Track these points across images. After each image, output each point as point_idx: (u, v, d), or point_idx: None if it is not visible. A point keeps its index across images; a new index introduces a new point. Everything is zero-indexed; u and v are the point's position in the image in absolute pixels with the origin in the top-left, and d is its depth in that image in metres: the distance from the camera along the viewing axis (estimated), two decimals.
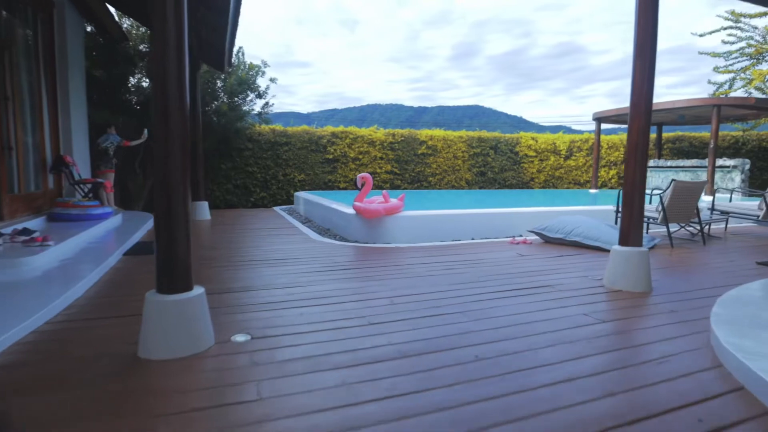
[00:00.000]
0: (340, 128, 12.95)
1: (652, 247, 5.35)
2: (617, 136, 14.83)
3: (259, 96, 10.52)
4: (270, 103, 11.02)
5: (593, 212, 6.92)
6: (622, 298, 3.27)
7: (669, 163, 12.72)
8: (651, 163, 13.31)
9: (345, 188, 12.80)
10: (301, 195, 9.44)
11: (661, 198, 5.60)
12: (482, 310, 2.95)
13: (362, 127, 13.54)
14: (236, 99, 10.61)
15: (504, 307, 3.04)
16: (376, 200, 6.24)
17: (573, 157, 14.73)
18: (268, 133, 12.23)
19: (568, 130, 16.89)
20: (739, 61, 14.14)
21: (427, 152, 13.56)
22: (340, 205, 6.84)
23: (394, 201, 5.96)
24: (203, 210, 8.12)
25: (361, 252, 5.07)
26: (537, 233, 5.76)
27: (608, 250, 5.05)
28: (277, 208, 10.65)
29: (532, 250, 5.18)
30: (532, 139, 14.69)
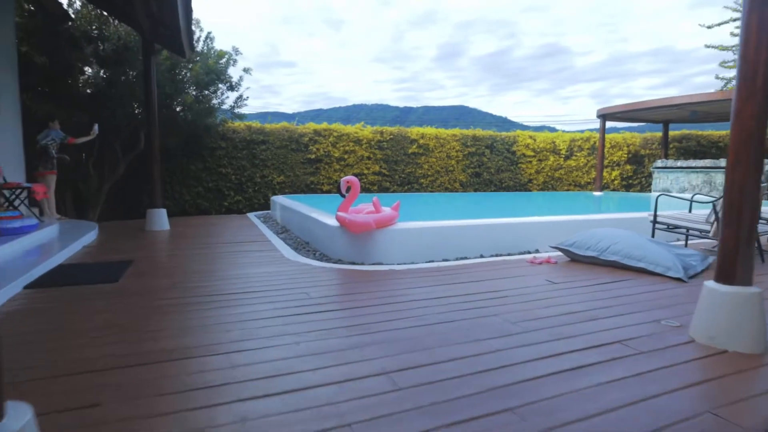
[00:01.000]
0: (324, 125, 11.80)
1: (705, 269, 4.32)
2: (620, 134, 13.94)
3: (231, 88, 9.30)
4: (244, 97, 9.81)
5: (619, 222, 5.89)
6: (737, 366, 2.20)
7: (679, 163, 11.84)
8: (658, 163, 12.42)
9: (329, 191, 11.64)
10: (278, 200, 8.28)
11: (714, 206, 4.58)
12: (540, 405, 1.84)
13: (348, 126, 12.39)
14: (206, 92, 9.39)
15: (572, 397, 1.94)
16: (364, 209, 5.12)
17: (573, 157, 13.79)
18: (243, 130, 11.02)
19: (552, 130, 15.96)
20: None
21: (419, 151, 12.48)
22: (321, 214, 5.70)
23: (386, 210, 4.85)
24: (160, 219, 6.88)
25: (345, 279, 3.95)
26: (562, 250, 4.70)
27: (659, 274, 4.00)
28: (251, 215, 9.45)
29: (561, 273, 4.11)
30: (530, 137, 13.71)
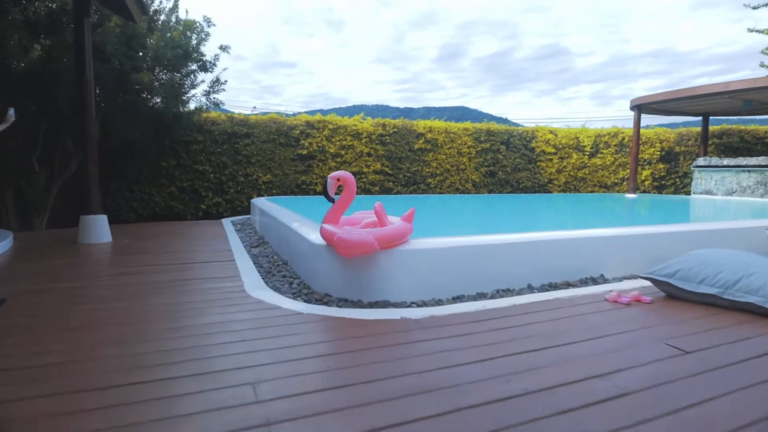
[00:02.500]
0: (317, 117, 10.28)
1: None
2: (651, 130, 12.40)
3: (204, 68, 7.75)
4: (222, 80, 8.27)
5: (719, 235, 4.34)
6: None
7: (726, 161, 10.30)
8: (700, 161, 10.88)
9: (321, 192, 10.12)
10: (258, 203, 6.74)
11: None
12: None
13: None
14: (176, 74, 7.86)
15: None
16: (362, 220, 3.59)
17: (599, 155, 12.26)
18: (224, 121, 9.50)
19: None
20: None
21: (426, 147, 10.95)
22: (304, 224, 4.16)
23: (394, 222, 3.31)
24: (98, 229, 5.28)
25: (328, 341, 2.42)
26: (658, 282, 3.17)
27: None
28: (227, 221, 7.91)
29: (677, 327, 2.57)
30: (551, 132, 12.18)
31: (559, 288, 3.55)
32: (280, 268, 4.11)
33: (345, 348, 2.23)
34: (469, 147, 11.32)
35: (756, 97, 9.24)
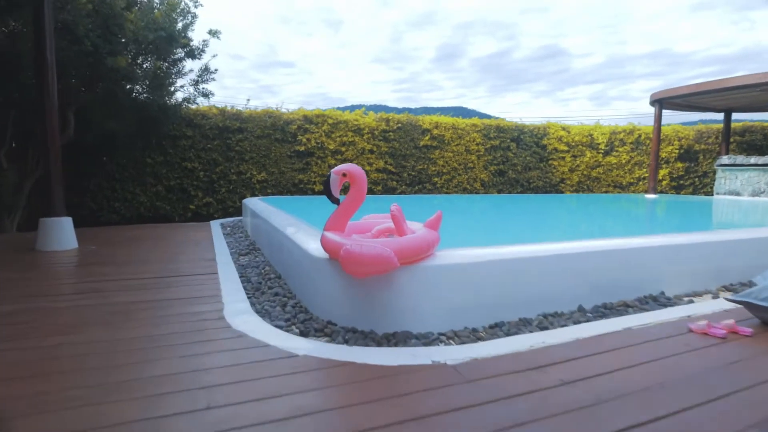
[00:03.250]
0: (316, 111, 9.57)
1: None
2: (670, 127, 11.73)
3: (192, 55, 7.03)
4: (212, 69, 7.55)
5: None
6: None
7: (752, 160, 9.63)
8: (724, 159, 10.22)
9: (321, 192, 9.40)
10: (250, 204, 6.03)
11: None
12: None
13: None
14: (161, 62, 7.13)
15: None
16: (373, 226, 2.88)
17: (614, 153, 11.58)
18: (215, 115, 8.79)
19: None
20: None
21: (432, 144, 10.25)
22: (302, 230, 3.45)
23: (417, 229, 2.59)
24: (60, 234, 4.51)
25: (340, 404, 1.72)
26: (753, 307, 2.47)
27: None
28: (216, 223, 7.19)
29: None
30: (563, 129, 11.50)
31: (616, 310, 2.86)
32: (273, 283, 3.40)
33: (361, 425, 1.52)
34: (477, 144, 10.63)
35: None
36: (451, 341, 2.32)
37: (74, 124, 6.72)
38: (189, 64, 7.28)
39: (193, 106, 8.27)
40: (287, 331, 2.43)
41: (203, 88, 7.49)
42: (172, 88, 7.71)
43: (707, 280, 3.36)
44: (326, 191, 2.56)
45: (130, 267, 3.93)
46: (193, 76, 7.38)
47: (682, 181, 11.76)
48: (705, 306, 2.85)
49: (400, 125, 9.97)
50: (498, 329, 2.51)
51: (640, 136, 11.50)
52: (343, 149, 9.52)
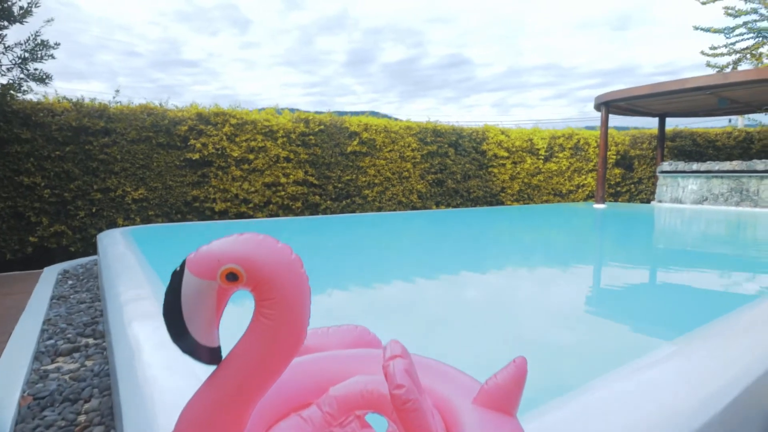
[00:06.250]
0: (215, 108, 7.47)
1: None
2: (617, 131, 11.22)
3: (8, 17, 4.66)
4: (49, 44, 5.18)
5: None
6: None
7: (695, 166, 9.20)
8: (665, 166, 9.75)
9: (224, 211, 7.30)
10: (105, 240, 3.88)
11: None
12: None
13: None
14: None
15: None
16: (327, 380, 1.10)
17: (554, 159, 10.78)
18: (68, 111, 6.35)
19: None
20: (743, 39, 11.26)
21: (361, 150, 8.59)
22: (152, 304, 1.55)
23: (468, 409, 0.89)
24: None
25: None
26: None
27: None
28: (53, 270, 4.80)
29: None
30: (503, 133, 10.45)
31: None
32: None
33: None
34: (413, 150, 9.16)
35: (731, 94, 8.16)
36: None
37: None
38: (10, 35, 4.87)
39: (27, 97, 5.79)
40: None
41: (36, 70, 5.10)
42: None
43: None
44: (171, 320, 0.76)
45: None
46: (18, 51, 4.98)
47: (619, 188, 11.29)
48: None
49: (322, 127, 8.18)
50: None
51: (579, 141, 10.81)
52: (251, 157, 7.51)
